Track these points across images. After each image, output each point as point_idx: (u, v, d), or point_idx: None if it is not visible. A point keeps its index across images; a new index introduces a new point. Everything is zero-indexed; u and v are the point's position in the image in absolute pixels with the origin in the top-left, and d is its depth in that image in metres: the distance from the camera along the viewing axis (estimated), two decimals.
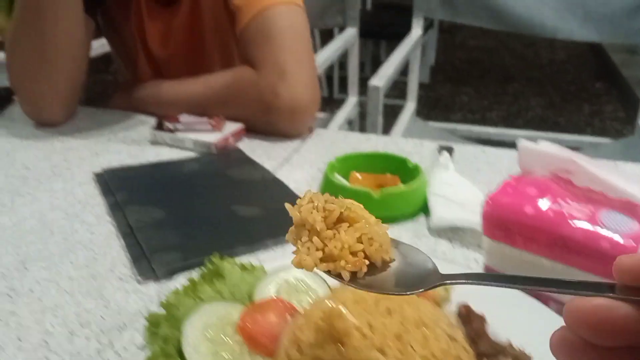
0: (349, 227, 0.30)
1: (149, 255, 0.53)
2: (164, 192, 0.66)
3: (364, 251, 0.30)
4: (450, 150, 0.76)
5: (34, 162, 0.75)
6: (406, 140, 0.82)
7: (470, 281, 0.26)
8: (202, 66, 0.97)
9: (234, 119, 0.83)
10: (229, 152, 0.78)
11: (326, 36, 2.89)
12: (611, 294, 0.21)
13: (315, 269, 0.30)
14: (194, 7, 0.92)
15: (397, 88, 4.31)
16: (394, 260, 0.31)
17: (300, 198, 0.32)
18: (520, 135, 1.78)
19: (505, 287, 0.25)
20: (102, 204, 0.64)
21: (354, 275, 0.29)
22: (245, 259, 0.53)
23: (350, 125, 1.62)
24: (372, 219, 0.31)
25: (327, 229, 0.30)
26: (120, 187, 0.67)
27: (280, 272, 0.46)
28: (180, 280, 0.51)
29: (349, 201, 0.31)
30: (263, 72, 0.81)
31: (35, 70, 0.83)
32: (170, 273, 0.52)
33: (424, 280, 0.29)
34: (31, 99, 0.86)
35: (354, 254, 0.30)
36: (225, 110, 0.83)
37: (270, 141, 0.82)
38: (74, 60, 0.85)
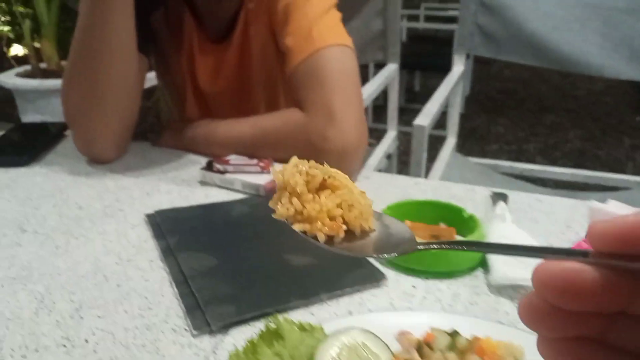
0: (331, 194, 0.31)
1: (203, 307, 0.52)
2: (215, 237, 0.66)
3: (342, 217, 0.30)
4: (504, 198, 0.74)
5: (87, 201, 0.76)
6: (457, 186, 0.80)
7: (443, 246, 0.28)
8: (248, 104, 0.98)
9: (283, 160, 0.83)
10: None
11: (361, 68, 2.92)
12: (582, 258, 0.20)
13: (291, 226, 0.31)
14: (245, 45, 0.94)
15: None
16: (374, 230, 0.31)
17: None
18: (564, 174, 1.74)
19: (474, 250, 0.26)
20: (155, 248, 0.64)
21: (330, 239, 0.30)
22: (300, 314, 0.52)
23: (389, 159, 1.61)
24: (357, 189, 0.31)
25: (309, 193, 0.31)
26: (172, 231, 0.67)
27: (341, 334, 0.45)
28: (234, 334, 0.50)
29: (334, 170, 0.32)
30: (312, 115, 0.81)
31: (88, 109, 0.85)
32: (226, 327, 0.51)
33: (399, 247, 0.30)
34: (84, 136, 0.88)
35: (332, 218, 0.30)
36: (273, 152, 0.84)
37: None
38: (128, 99, 0.86)
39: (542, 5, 1.49)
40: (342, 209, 0.30)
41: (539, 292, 0.21)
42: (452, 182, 0.81)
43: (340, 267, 0.59)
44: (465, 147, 3.25)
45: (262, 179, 0.78)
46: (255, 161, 0.81)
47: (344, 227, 0.30)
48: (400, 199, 0.77)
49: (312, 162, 0.32)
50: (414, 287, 0.57)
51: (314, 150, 0.80)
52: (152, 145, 0.97)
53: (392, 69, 1.57)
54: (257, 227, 0.69)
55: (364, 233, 0.31)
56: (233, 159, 0.82)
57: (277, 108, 1.00)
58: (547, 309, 0.21)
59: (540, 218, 0.72)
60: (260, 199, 0.77)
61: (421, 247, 0.29)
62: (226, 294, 0.55)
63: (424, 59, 3.65)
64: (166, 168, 0.87)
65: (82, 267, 0.60)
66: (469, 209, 0.74)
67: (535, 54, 1.50)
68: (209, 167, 0.82)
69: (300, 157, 0.90)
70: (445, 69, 4.02)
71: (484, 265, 0.60)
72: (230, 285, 0.56)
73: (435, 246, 0.28)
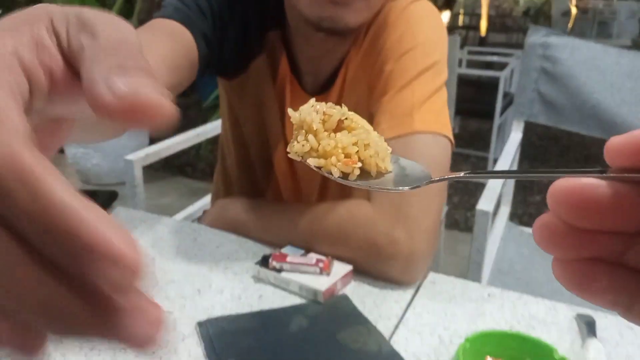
0: (347, 134, 0.31)
1: None
2: None
3: (358, 155, 0.30)
4: (592, 325, 0.66)
5: None
6: (537, 302, 0.72)
7: (453, 177, 0.27)
8: None
9: (343, 259, 0.77)
10: (337, 301, 0.72)
11: None
12: (599, 174, 0.19)
13: (306, 162, 0.30)
14: (340, 100, 0.87)
15: (470, 162, 4.19)
16: (390, 172, 0.31)
17: None
18: None
19: (491, 178, 0.25)
20: None
21: (345, 176, 0.30)
22: None
23: None
24: (375, 132, 0.32)
25: (325, 131, 0.31)
26: (225, 350, 0.61)
27: None
28: None
29: (351, 112, 0.32)
30: (381, 210, 0.74)
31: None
32: None
33: (412, 182, 0.30)
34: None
35: (347, 155, 0.30)
36: (332, 248, 0.77)
37: (380, 288, 0.75)
38: None
39: (609, 76, 1.42)
40: (357, 147, 0.31)
41: (555, 210, 0.20)
42: (530, 296, 0.73)
43: None
44: None
45: (320, 283, 0.72)
46: (314, 260, 0.75)
47: (359, 164, 0.30)
48: (474, 317, 0.70)
49: (330, 103, 0.32)
50: None
51: (377, 252, 0.74)
52: (198, 222, 0.93)
53: None
54: (319, 353, 0.62)
55: (380, 174, 0.31)
56: (290, 254, 0.76)
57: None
58: (562, 228, 0.20)
59: (635, 355, 0.64)
60: (319, 308, 0.70)
61: (436, 179, 0.29)
62: None
63: (465, 104, 3.58)
64: (218, 257, 0.81)
65: None
66: (552, 333, 0.67)
67: (600, 126, 1.42)
68: (264, 262, 0.76)
69: (363, 259, 0.81)
70: (485, 114, 3.93)
71: None
72: None
73: (448, 176, 0.28)
